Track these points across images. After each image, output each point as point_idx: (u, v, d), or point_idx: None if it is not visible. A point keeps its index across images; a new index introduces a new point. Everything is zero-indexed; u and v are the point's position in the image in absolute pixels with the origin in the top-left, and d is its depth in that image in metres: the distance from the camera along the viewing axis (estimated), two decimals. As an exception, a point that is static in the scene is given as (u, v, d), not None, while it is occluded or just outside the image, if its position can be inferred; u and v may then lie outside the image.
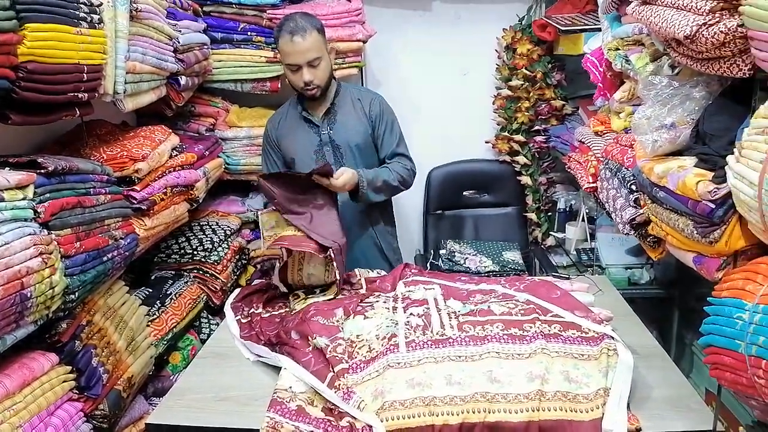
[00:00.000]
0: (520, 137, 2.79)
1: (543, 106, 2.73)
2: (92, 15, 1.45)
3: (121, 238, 1.57)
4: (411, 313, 1.57)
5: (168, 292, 1.98)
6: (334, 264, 1.77)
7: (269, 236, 1.84)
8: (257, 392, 1.46)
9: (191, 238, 2.27)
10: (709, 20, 1.04)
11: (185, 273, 2.17)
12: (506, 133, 2.82)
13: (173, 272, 2.15)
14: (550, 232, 2.84)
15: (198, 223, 2.37)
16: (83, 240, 1.39)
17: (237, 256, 2.43)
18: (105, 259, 1.48)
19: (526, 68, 2.69)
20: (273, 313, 1.79)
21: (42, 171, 1.30)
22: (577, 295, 1.64)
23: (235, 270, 2.41)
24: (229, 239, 2.39)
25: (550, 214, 2.88)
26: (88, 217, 1.43)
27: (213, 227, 2.38)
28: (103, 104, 1.65)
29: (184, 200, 2.05)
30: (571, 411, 1.29)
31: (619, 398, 1.29)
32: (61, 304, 1.33)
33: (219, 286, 2.22)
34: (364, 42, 2.51)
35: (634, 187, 1.52)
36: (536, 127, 2.77)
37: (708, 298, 1.13)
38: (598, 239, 2.42)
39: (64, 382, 1.37)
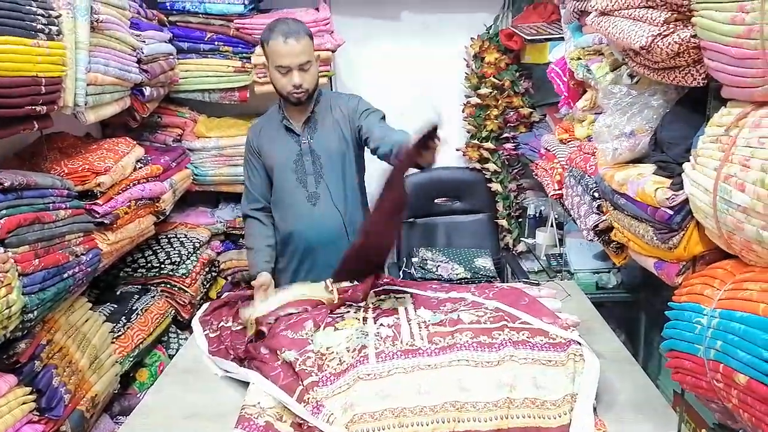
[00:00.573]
0: (489, 145, 2.81)
1: (511, 113, 2.76)
2: (50, 26, 1.42)
3: (83, 254, 1.53)
4: (381, 324, 1.56)
5: (134, 308, 1.94)
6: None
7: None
8: (225, 409, 1.44)
9: (158, 251, 2.23)
10: (664, 31, 1.07)
11: (152, 287, 2.13)
12: (476, 141, 2.85)
13: (140, 287, 2.11)
14: (521, 238, 2.87)
15: (166, 236, 2.34)
16: (42, 257, 1.36)
17: (206, 269, 2.40)
18: (65, 275, 1.44)
19: (494, 77, 2.72)
20: (243, 326, 1.77)
21: (-3, 187, 1.27)
22: (545, 302, 1.65)
23: (205, 283, 2.38)
24: (198, 251, 2.36)
25: (520, 220, 2.91)
26: (48, 233, 1.39)
27: (181, 239, 2.34)
28: (67, 116, 1.61)
29: (150, 213, 2.02)
30: (539, 417, 1.29)
31: (586, 403, 1.30)
32: (18, 323, 1.29)
33: (188, 300, 2.19)
34: (333, 51, 2.51)
35: (596, 194, 1.54)
36: (505, 135, 2.80)
37: (669, 303, 1.15)
38: (566, 245, 2.46)
39: (23, 404, 1.33)
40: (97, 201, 1.68)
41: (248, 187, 2.15)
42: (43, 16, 1.41)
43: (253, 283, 1.96)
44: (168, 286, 2.17)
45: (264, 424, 1.34)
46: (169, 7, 2.38)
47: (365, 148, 2.07)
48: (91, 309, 1.70)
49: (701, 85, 1.09)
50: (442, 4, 2.79)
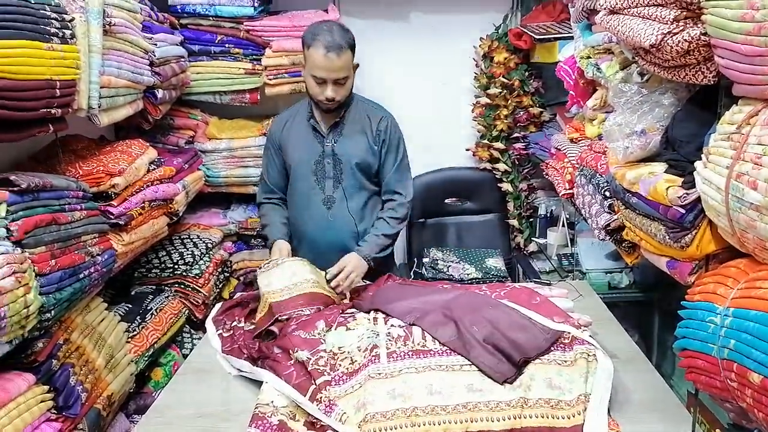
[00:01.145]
0: (500, 144, 2.81)
1: (521, 113, 2.75)
2: (64, 30, 1.44)
3: (98, 255, 1.55)
4: (392, 324, 1.57)
5: (148, 308, 1.96)
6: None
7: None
8: (239, 407, 1.45)
9: (172, 252, 2.25)
10: (674, 29, 1.06)
11: (166, 287, 2.15)
12: (486, 141, 2.84)
13: (154, 287, 2.13)
14: (532, 238, 2.86)
15: (179, 237, 2.36)
16: (58, 257, 1.38)
17: (219, 269, 2.42)
18: (81, 276, 1.46)
19: (503, 76, 2.71)
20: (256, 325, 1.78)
21: (14, 189, 1.29)
22: (556, 301, 1.65)
23: (218, 283, 2.39)
24: (210, 252, 2.37)
25: (531, 220, 2.90)
26: (64, 234, 1.41)
27: (194, 240, 2.36)
28: (81, 119, 1.63)
29: (164, 214, 2.03)
30: (553, 417, 1.30)
31: (599, 404, 1.30)
32: (36, 323, 1.31)
33: (201, 300, 2.21)
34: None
35: (608, 193, 1.54)
36: (515, 135, 2.79)
37: (682, 302, 1.15)
38: (578, 244, 2.45)
39: (41, 402, 1.35)
40: (112, 202, 1.70)
41: (264, 177, 2.18)
42: (56, 20, 1.42)
43: (273, 256, 1.96)
44: (182, 286, 2.18)
45: (277, 422, 1.35)
46: (180, 10, 2.40)
47: None
48: (106, 309, 1.72)
49: (712, 83, 1.09)
50: (450, 4, 2.79)
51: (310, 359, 1.47)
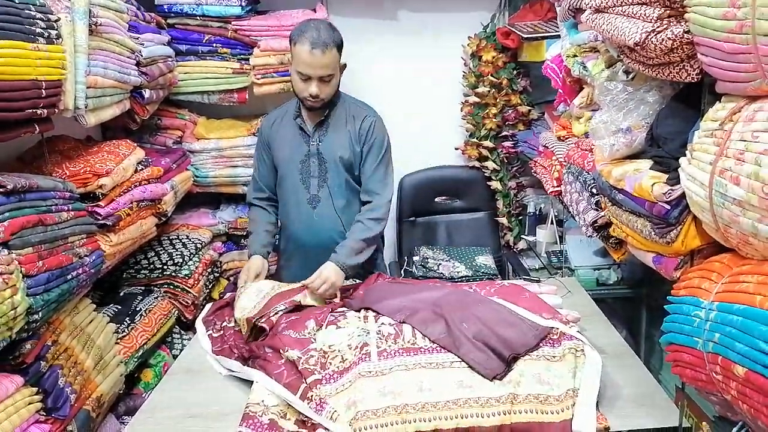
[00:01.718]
0: (488, 143, 2.82)
1: (510, 111, 2.77)
2: (50, 30, 1.43)
3: (86, 256, 1.54)
4: (382, 322, 1.58)
5: (137, 309, 1.95)
6: None
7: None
8: (229, 407, 1.45)
9: (161, 252, 2.24)
10: (657, 27, 1.08)
11: (155, 288, 2.14)
12: (475, 139, 2.86)
13: (143, 288, 2.12)
14: (521, 236, 2.87)
15: (168, 237, 2.35)
16: (46, 258, 1.37)
17: (209, 270, 2.41)
18: (69, 277, 1.45)
19: (491, 75, 2.73)
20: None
21: (0, 190, 1.28)
22: (545, 298, 1.67)
23: (207, 283, 2.39)
24: (200, 252, 2.37)
25: (520, 217, 2.92)
26: (51, 235, 1.40)
27: (183, 241, 2.35)
28: (68, 119, 1.62)
29: (152, 215, 2.03)
30: (542, 413, 1.31)
31: (587, 398, 1.31)
32: (24, 324, 1.30)
33: (191, 301, 2.20)
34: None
35: (594, 191, 1.55)
36: (504, 133, 2.80)
37: (668, 297, 1.16)
38: (567, 241, 2.46)
39: (30, 404, 1.34)
40: (99, 203, 1.69)
41: (255, 176, 2.18)
42: (42, 20, 1.41)
43: (241, 274, 1.98)
44: (171, 287, 2.18)
45: (268, 421, 1.35)
46: (167, 10, 2.39)
47: None
48: (95, 310, 1.70)
49: (695, 80, 1.10)
50: (438, 3, 2.80)
51: (301, 358, 1.47)
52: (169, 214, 2.19)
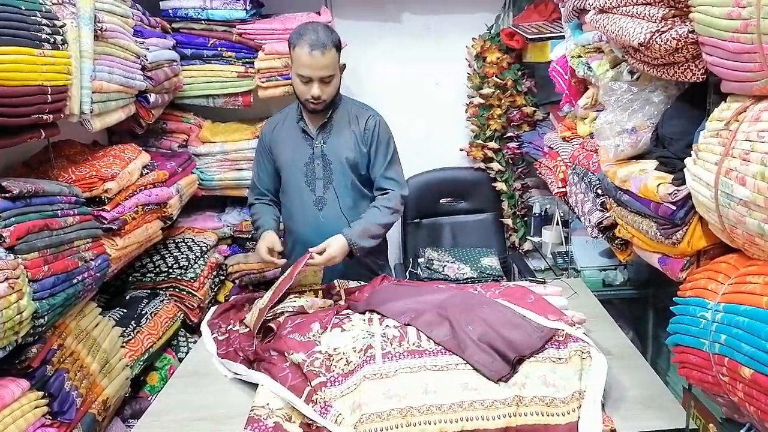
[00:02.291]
0: (493, 144, 2.81)
1: (515, 112, 2.76)
2: (55, 36, 1.44)
3: (92, 260, 1.55)
4: (387, 325, 1.57)
5: (143, 312, 1.96)
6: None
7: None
8: (234, 410, 1.45)
9: (167, 255, 2.25)
10: (662, 27, 1.07)
11: (161, 291, 2.14)
12: (480, 141, 2.85)
13: (148, 291, 2.13)
14: (527, 237, 2.86)
15: (173, 241, 2.35)
16: (51, 263, 1.37)
17: (214, 273, 2.41)
18: (75, 281, 1.46)
19: (496, 76, 2.72)
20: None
21: (6, 195, 1.29)
22: (551, 299, 1.66)
23: (213, 286, 2.39)
24: (205, 256, 2.37)
25: (526, 218, 2.91)
26: (56, 240, 1.41)
27: (189, 244, 2.36)
28: (74, 124, 1.63)
29: (157, 218, 2.04)
30: (548, 415, 1.30)
31: (594, 400, 1.30)
32: (30, 328, 1.31)
33: (196, 304, 2.21)
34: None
35: (600, 191, 1.55)
36: (509, 134, 2.80)
37: (674, 298, 1.16)
38: (572, 242, 2.45)
39: (36, 408, 1.35)
40: (105, 207, 1.70)
41: (255, 181, 2.18)
42: (47, 26, 1.42)
43: (259, 245, 1.96)
44: (176, 290, 2.18)
45: (273, 425, 1.35)
46: (171, 14, 2.40)
47: None
48: (101, 314, 1.71)
49: (700, 80, 1.09)
50: (442, 4, 2.80)
51: (306, 361, 1.47)
52: (174, 218, 2.20)
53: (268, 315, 1.70)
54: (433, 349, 1.46)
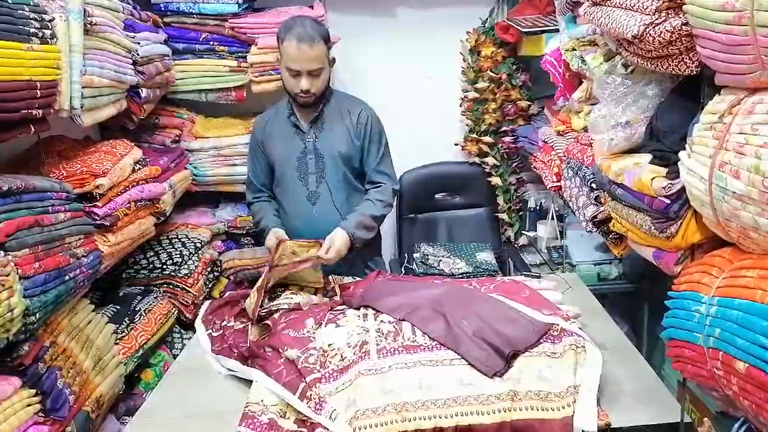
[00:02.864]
0: (488, 138, 2.81)
1: (509, 107, 2.75)
2: (44, 30, 1.42)
3: (84, 256, 1.53)
4: (382, 320, 1.57)
5: (137, 309, 1.95)
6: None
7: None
8: (229, 407, 1.44)
9: (160, 252, 2.23)
10: (656, 19, 1.06)
11: (155, 288, 2.13)
12: (475, 135, 2.84)
13: (142, 288, 2.11)
14: (522, 231, 2.86)
15: (167, 237, 2.34)
16: (42, 260, 1.36)
17: (209, 269, 2.40)
18: (67, 278, 1.44)
19: (491, 70, 2.71)
20: (246, 324, 1.77)
21: (-5, 191, 1.27)
22: (545, 294, 1.66)
23: (207, 283, 2.38)
24: (199, 252, 2.36)
25: (521, 213, 2.91)
26: (47, 236, 1.39)
27: (183, 240, 2.35)
28: (64, 120, 1.61)
29: (150, 214, 2.02)
30: (543, 410, 1.30)
31: (588, 395, 1.30)
32: (21, 326, 1.29)
33: (190, 300, 2.19)
34: (329, 50, 2.50)
35: (594, 185, 1.54)
36: (504, 128, 2.79)
37: (668, 292, 1.15)
38: (567, 237, 2.45)
39: (28, 405, 1.33)
40: (97, 203, 1.69)
41: (251, 177, 2.19)
42: (36, 20, 1.40)
43: (268, 243, 2.00)
44: (170, 286, 2.17)
45: (268, 421, 1.35)
46: (163, 8, 2.38)
47: None
48: (94, 311, 1.70)
49: (694, 72, 1.09)
50: (436, -2, 2.79)
51: (300, 357, 1.47)
52: (167, 214, 2.18)
53: (263, 311, 1.69)
54: (428, 345, 1.45)
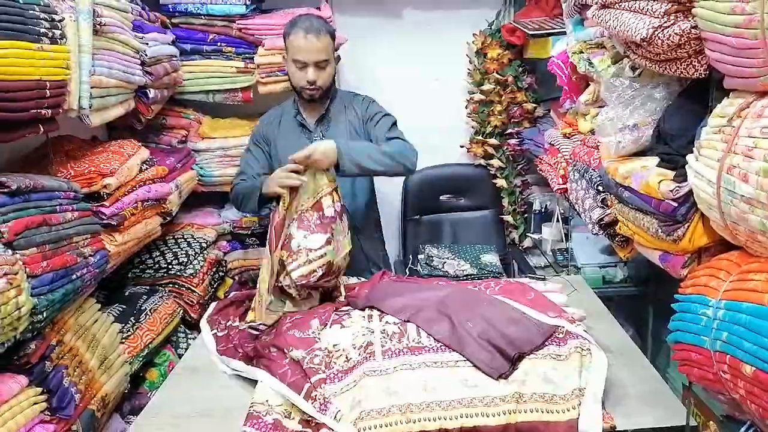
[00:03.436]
0: (494, 140, 2.81)
1: (515, 109, 2.75)
2: (54, 30, 1.43)
3: (91, 255, 1.54)
4: (387, 321, 1.57)
5: (142, 308, 1.95)
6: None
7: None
8: (234, 407, 1.45)
9: (166, 251, 2.24)
10: (665, 23, 1.06)
11: (160, 287, 2.14)
12: (480, 137, 2.84)
13: (148, 287, 2.12)
14: (527, 234, 2.86)
15: (173, 237, 2.35)
16: (50, 259, 1.37)
17: (214, 269, 2.41)
18: (74, 277, 1.45)
19: (497, 72, 2.71)
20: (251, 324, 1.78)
21: (5, 190, 1.28)
22: (550, 296, 1.66)
23: (212, 283, 2.39)
24: (205, 252, 2.37)
25: (526, 215, 2.91)
26: (55, 236, 1.40)
27: (188, 240, 2.36)
28: (73, 119, 1.62)
29: (157, 214, 2.03)
30: (548, 412, 1.29)
31: (593, 397, 1.30)
32: (28, 324, 1.30)
33: (196, 300, 2.20)
34: (336, 50, 2.51)
35: (600, 188, 1.54)
36: (509, 130, 2.79)
37: (675, 296, 1.15)
38: (573, 239, 2.45)
39: (34, 404, 1.34)
40: (104, 203, 1.69)
41: (243, 168, 2.12)
42: (46, 20, 1.41)
43: (271, 185, 1.76)
44: (176, 286, 2.18)
45: (272, 421, 1.35)
46: (171, 9, 2.39)
47: None
48: (100, 310, 1.71)
49: (703, 76, 1.09)
50: (443, 0, 2.79)
51: (305, 357, 1.47)
52: (173, 214, 2.19)
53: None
54: (432, 346, 1.45)
